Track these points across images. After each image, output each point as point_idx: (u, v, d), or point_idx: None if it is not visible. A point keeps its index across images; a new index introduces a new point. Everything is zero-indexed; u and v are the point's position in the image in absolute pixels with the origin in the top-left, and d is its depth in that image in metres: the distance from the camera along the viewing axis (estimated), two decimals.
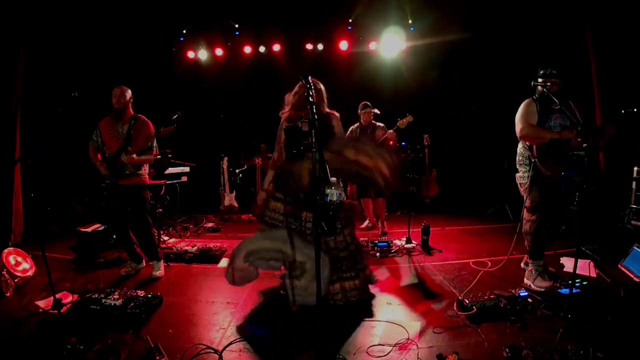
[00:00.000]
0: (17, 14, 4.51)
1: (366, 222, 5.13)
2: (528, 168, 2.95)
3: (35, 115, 4.77)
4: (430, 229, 4.09)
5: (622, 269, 3.17)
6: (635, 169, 4.06)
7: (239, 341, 2.24)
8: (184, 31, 6.53)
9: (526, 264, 3.16)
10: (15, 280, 3.08)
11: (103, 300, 2.57)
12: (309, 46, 6.43)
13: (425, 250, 3.98)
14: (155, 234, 3.76)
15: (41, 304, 2.71)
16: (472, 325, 2.34)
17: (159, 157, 3.55)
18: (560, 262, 3.40)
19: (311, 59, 6.48)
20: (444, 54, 6.09)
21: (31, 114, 4.75)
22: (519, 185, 3.12)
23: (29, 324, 2.46)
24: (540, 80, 2.87)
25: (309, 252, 2.42)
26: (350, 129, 4.71)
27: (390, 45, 6.22)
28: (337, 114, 2.74)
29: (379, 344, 2.18)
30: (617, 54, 4.38)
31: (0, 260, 3.08)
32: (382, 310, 2.63)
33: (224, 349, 2.15)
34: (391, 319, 2.48)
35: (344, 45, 6.36)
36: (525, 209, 3.02)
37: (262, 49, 6.55)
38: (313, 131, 1.81)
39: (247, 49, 6.57)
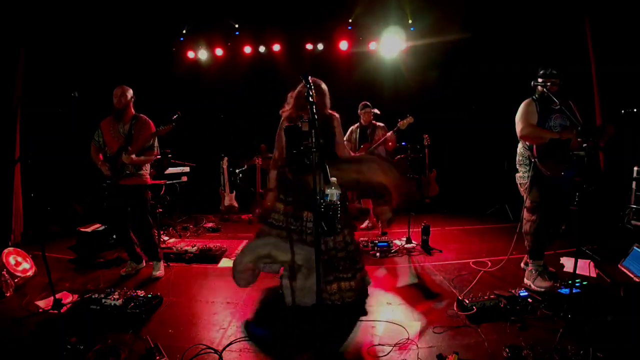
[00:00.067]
0: (17, 14, 4.51)
1: (366, 222, 5.13)
2: (528, 168, 2.95)
3: (35, 115, 4.77)
4: (430, 229, 4.09)
5: (622, 269, 3.17)
6: (635, 169, 4.06)
7: (239, 341, 2.24)
8: (184, 31, 6.53)
9: (526, 264, 3.16)
10: (15, 280, 3.08)
11: (103, 300, 2.57)
12: (309, 46, 6.43)
13: (425, 250, 3.98)
14: (156, 234, 3.76)
15: (41, 304, 2.71)
16: (472, 325, 2.34)
17: (159, 157, 3.55)
18: (560, 262, 3.40)
19: (311, 59, 6.48)
20: (444, 54, 6.09)
21: (31, 114, 4.75)
22: (519, 185, 3.12)
23: (29, 324, 2.46)
24: (540, 80, 2.87)
25: (304, 254, 2.43)
26: (350, 129, 4.72)
27: (390, 45, 6.22)
28: (337, 115, 2.73)
29: (379, 344, 2.18)
30: (617, 54, 4.38)
31: (0, 260, 3.08)
32: (382, 310, 2.63)
33: (224, 349, 2.15)
34: (391, 319, 2.48)
35: (344, 45, 6.37)
36: (525, 209, 3.02)
37: (262, 49, 6.55)
38: (313, 131, 1.81)
39: (247, 49, 6.57)
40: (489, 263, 3.46)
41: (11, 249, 3.35)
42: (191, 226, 5.31)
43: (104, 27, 5.41)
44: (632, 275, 3.04)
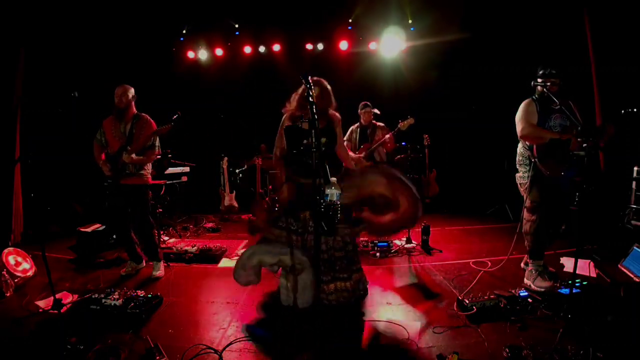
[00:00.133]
0: (17, 14, 4.51)
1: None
2: (528, 168, 2.95)
3: (35, 115, 4.76)
4: (430, 229, 4.09)
5: (622, 269, 3.17)
6: (635, 169, 4.06)
7: (239, 341, 2.24)
8: (184, 31, 6.53)
9: (526, 264, 3.16)
10: (15, 280, 3.08)
11: (103, 300, 2.57)
12: (309, 46, 6.43)
13: (425, 250, 3.98)
14: (156, 234, 3.76)
15: (41, 304, 2.71)
16: (472, 325, 2.34)
17: (159, 156, 3.55)
18: (560, 262, 3.40)
19: (311, 59, 6.48)
20: (443, 54, 6.09)
21: (31, 114, 4.74)
22: (519, 185, 3.12)
23: (29, 324, 2.46)
24: (540, 80, 2.87)
25: (298, 255, 2.43)
26: (350, 129, 4.71)
27: (390, 45, 6.22)
28: (339, 116, 2.74)
29: (379, 344, 2.18)
30: (617, 54, 4.38)
31: (0, 260, 3.08)
32: (382, 310, 2.63)
33: (224, 349, 2.15)
34: (391, 318, 2.48)
35: (344, 45, 6.37)
36: (525, 209, 3.02)
37: (262, 49, 6.55)
38: (313, 131, 1.81)
39: (247, 49, 6.57)
40: (489, 263, 3.46)
41: (11, 249, 3.35)
42: (191, 226, 5.31)
43: (104, 27, 5.42)
44: (632, 275, 3.04)
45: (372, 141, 4.51)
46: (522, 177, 3.05)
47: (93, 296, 2.65)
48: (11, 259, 3.20)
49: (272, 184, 6.06)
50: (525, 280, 2.98)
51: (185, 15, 6.20)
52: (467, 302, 2.47)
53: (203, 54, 6.62)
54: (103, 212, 3.65)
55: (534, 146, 2.86)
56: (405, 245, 4.06)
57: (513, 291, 2.57)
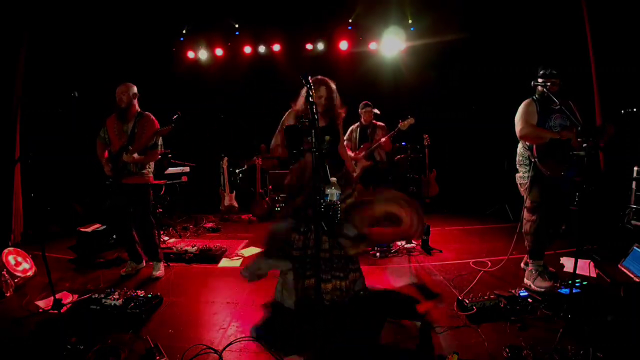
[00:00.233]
0: (17, 15, 4.51)
1: None
2: (528, 168, 2.95)
3: (35, 115, 4.77)
4: (430, 229, 4.09)
5: (622, 269, 3.17)
6: (635, 169, 4.06)
7: (239, 341, 2.24)
8: (184, 31, 6.54)
9: (526, 264, 3.16)
10: (15, 280, 3.08)
11: (103, 300, 2.57)
12: (309, 46, 6.44)
13: (425, 250, 3.98)
14: (156, 234, 3.76)
15: (41, 304, 2.71)
16: (472, 325, 2.34)
17: (159, 156, 3.55)
18: (560, 262, 3.40)
19: (311, 59, 6.48)
20: (443, 54, 6.10)
21: (31, 114, 4.75)
22: (519, 186, 3.12)
23: (29, 324, 2.46)
24: (540, 80, 2.87)
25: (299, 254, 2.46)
26: (350, 129, 4.71)
27: (390, 45, 6.22)
28: (342, 114, 2.74)
29: (379, 344, 2.18)
30: (617, 54, 4.38)
31: (0, 260, 3.08)
32: (382, 310, 2.62)
33: (224, 349, 2.15)
34: (391, 318, 2.48)
35: (344, 45, 6.37)
36: (525, 209, 3.02)
37: (262, 49, 6.55)
38: (313, 131, 1.81)
39: (247, 49, 6.57)
40: (489, 263, 3.46)
41: (11, 249, 3.35)
42: (191, 226, 5.31)
43: (104, 27, 5.42)
44: (632, 275, 3.04)
45: (372, 141, 4.51)
46: (522, 177, 3.05)
47: (93, 296, 2.65)
48: (11, 259, 3.20)
49: (272, 184, 6.06)
50: (525, 280, 2.98)
51: (185, 15, 6.20)
52: (467, 302, 2.47)
53: (203, 54, 6.62)
54: (104, 211, 3.65)
55: (534, 146, 2.86)
56: (405, 245, 4.05)
57: (513, 291, 2.57)
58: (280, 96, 2.77)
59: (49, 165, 4.73)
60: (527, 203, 2.98)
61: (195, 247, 3.92)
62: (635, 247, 3.19)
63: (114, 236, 4.13)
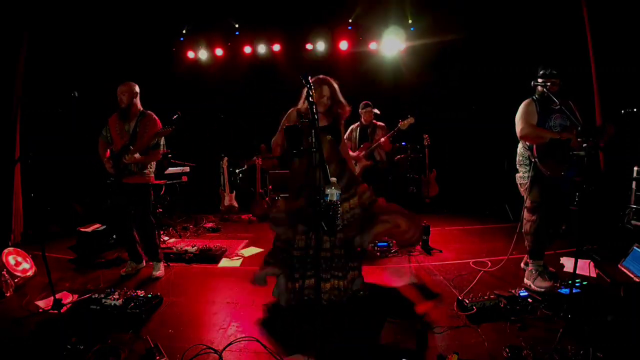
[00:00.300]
0: (17, 15, 4.51)
1: None
2: (528, 168, 2.95)
3: (35, 115, 4.77)
4: (430, 229, 4.08)
5: (622, 269, 3.17)
6: (635, 169, 4.06)
7: (239, 341, 2.24)
8: (184, 31, 6.53)
9: (526, 264, 3.16)
10: (15, 280, 3.08)
11: (103, 300, 2.57)
12: (309, 46, 6.43)
13: (425, 250, 3.97)
14: (157, 235, 3.76)
15: (41, 304, 2.71)
16: (472, 325, 2.34)
17: (161, 156, 3.54)
18: (560, 262, 3.40)
19: (311, 59, 6.48)
20: (443, 54, 6.09)
21: (31, 114, 4.75)
22: (519, 186, 3.12)
23: (29, 324, 2.46)
24: (540, 80, 2.87)
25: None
26: (350, 128, 4.72)
27: (390, 45, 6.22)
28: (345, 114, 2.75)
29: (380, 344, 2.18)
30: (617, 54, 4.38)
31: (0, 260, 3.08)
32: (382, 310, 2.63)
33: (224, 349, 2.15)
34: (391, 318, 2.48)
35: (344, 45, 6.36)
36: (525, 209, 3.02)
37: (262, 49, 6.55)
38: (313, 131, 1.81)
39: (247, 49, 6.57)
40: (489, 263, 3.46)
41: (11, 249, 3.35)
42: (191, 226, 5.31)
43: (104, 27, 5.42)
44: (632, 275, 3.04)
45: (372, 140, 4.52)
46: (522, 177, 3.05)
47: (93, 296, 2.65)
48: (11, 259, 3.20)
49: (272, 184, 6.06)
50: (525, 280, 2.98)
51: (185, 15, 6.20)
52: (467, 302, 2.47)
53: (203, 54, 6.62)
54: (104, 210, 3.65)
55: (534, 146, 2.86)
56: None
57: (513, 291, 2.57)
58: (280, 96, 2.78)
59: (49, 165, 4.73)
60: (527, 203, 2.98)
61: (195, 247, 3.92)
62: (635, 247, 3.19)
63: (114, 236, 4.13)
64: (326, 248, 2.51)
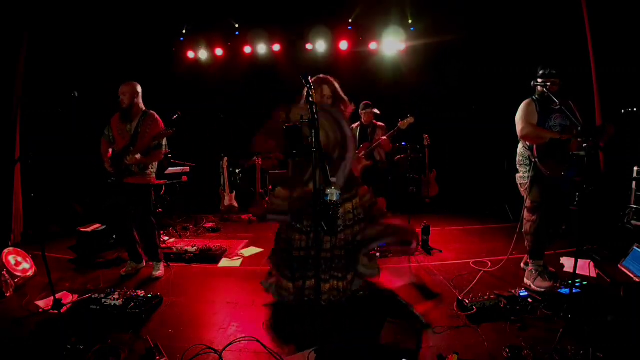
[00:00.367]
0: (17, 15, 4.51)
1: None
2: (528, 168, 2.95)
3: (35, 115, 4.76)
4: (430, 229, 4.08)
5: (622, 269, 3.17)
6: (635, 169, 4.06)
7: (239, 341, 2.24)
8: (184, 31, 6.53)
9: (526, 264, 3.16)
10: (15, 280, 3.08)
11: (103, 300, 2.57)
12: (309, 46, 6.43)
13: (425, 250, 3.97)
14: (157, 235, 3.75)
15: (41, 304, 2.71)
16: (472, 325, 2.34)
17: (162, 157, 3.54)
18: (560, 262, 3.40)
19: (311, 59, 6.48)
20: (443, 53, 6.09)
21: (31, 114, 4.74)
22: (519, 186, 3.12)
23: (29, 324, 2.46)
24: (540, 80, 2.87)
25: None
26: (350, 128, 4.71)
27: (390, 45, 6.22)
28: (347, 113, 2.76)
29: (380, 344, 2.18)
30: (617, 54, 4.38)
31: (0, 260, 3.08)
32: (381, 310, 2.63)
33: (224, 349, 2.15)
34: (391, 318, 2.48)
35: (344, 45, 6.36)
36: (525, 209, 3.02)
37: (262, 49, 6.54)
38: (313, 131, 1.81)
39: (247, 49, 6.56)
40: (489, 263, 3.46)
41: (11, 249, 3.35)
42: (191, 226, 5.30)
43: (104, 27, 5.41)
44: (632, 275, 3.04)
45: (372, 140, 4.52)
46: (522, 177, 3.05)
47: (93, 296, 2.65)
48: (11, 259, 3.20)
49: (272, 184, 6.06)
50: (525, 280, 2.98)
51: (185, 15, 6.20)
52: (467, 302, 2.47)
53: (203, 54, 6.62)
54: (104, 210, 3.64)
55: (534, 146, 2.87)
56: None
57: (513, 291, 2.57)
58: (280, 96, 2.77)
59: (49, 165, 4.73)
60: (527, 203, 2.98)
61: (195, 247, 3.92)
62: (635, 247, 3.19)
63: (114, 236, 4.13)
64: (326, 249, 2.50)
